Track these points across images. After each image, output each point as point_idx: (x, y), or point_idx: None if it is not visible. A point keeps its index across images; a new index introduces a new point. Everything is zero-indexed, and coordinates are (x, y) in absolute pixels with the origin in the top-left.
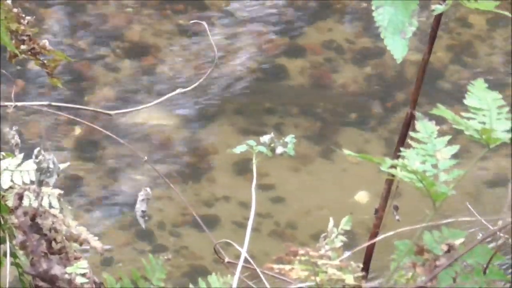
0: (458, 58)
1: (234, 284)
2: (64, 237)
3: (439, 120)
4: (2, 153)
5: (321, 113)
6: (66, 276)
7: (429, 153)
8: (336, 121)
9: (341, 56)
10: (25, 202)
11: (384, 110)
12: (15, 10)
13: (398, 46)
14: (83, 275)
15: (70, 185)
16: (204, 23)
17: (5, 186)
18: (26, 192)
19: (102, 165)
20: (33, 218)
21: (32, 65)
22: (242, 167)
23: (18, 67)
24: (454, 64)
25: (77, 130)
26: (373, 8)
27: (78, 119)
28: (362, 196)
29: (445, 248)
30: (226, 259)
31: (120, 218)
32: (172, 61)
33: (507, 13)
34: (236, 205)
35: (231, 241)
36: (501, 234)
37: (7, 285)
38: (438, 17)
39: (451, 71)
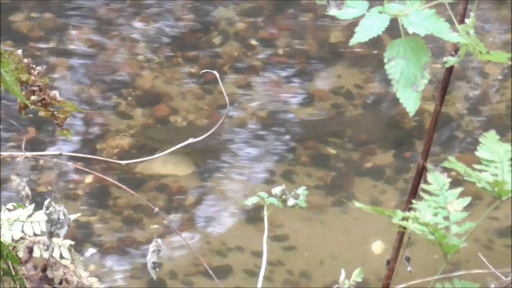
0: (474, 108)
1: None
2: None
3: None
4: (13, 203)
5: (334, 162)
6: None
7: (440, 205)
8: (350, 171)
9: (351, 102)
10: (37, 253)
11: (402, 160)
12: (25, 60)
13: (411, 99)
14: None
15: (82, 235)
16: (215, 72)
17: (16, 237)
18: (38, 245)
19: (115, 214)
20: (44, 269)
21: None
22: (254, 215)
23: (30, 115)
24: (470, 114)
25: (89, 179)
26: (385, 60)
27: (88, 170)
28: (376, 246)
29: None
30: None
31: (132, 267)
32: (184, 110)
33: None
34: (248, 254)
35: None
36: None
37: None
38: (450, 69)
39: (467, 121)
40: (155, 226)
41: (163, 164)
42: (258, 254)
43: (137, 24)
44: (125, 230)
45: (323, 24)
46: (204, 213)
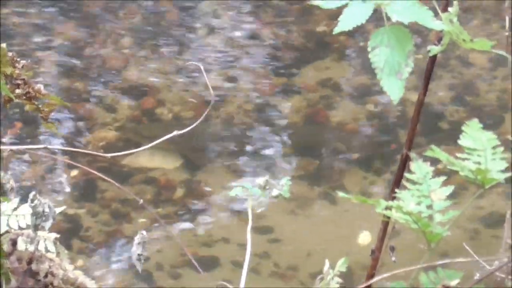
0: (459, 98)
1: None
2: (61, 281)
3: (436, 160)
4: None
5: (321, 153)
6: None
7: (424, 194)
8: (338, 162)
9: (338, 94)
10: (22, 246)
11: (389, 150)
12: (10, 54)
13: (395, 88)
14: None
15: (69, 228)
16: (200, 64)
17: (1, 231)
18: (22, 237)
19: (102, 207)
20: (29, 262)
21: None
22: (240, 207)
23: (16, 109)
24: (455, 104)
25: (75, 172)
26: (368, 49)
27: (74, 163)
28: (364, 237)
29: None
30: None
31: (119, 260)
32: (170, 102)
33: (503, 53)
34: (235, 245)
35: (230, 282)
36: (498, 274)
37: None
38: (433, 58)
39: (452, 111)
40: (142, 219)
41: (151, 157)
42: (245, 246)
43: (123, 17)
44: (113, 223)
45: (310, 15)
46: (192, 206)
